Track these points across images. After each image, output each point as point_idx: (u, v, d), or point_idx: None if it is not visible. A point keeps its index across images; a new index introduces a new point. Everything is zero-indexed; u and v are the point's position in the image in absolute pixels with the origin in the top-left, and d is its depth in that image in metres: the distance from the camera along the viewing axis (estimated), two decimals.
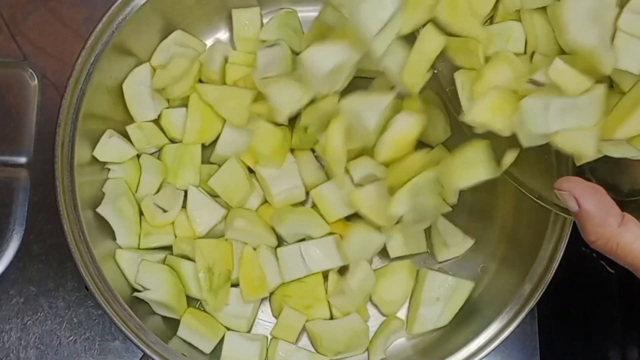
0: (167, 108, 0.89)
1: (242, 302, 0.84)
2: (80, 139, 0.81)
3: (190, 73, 0.86)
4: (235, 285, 0.85)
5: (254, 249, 0.84)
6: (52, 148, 0.80)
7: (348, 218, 0.85)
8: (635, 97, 0.59)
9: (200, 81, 0.89)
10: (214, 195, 0.87)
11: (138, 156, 0.88)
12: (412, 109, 0.75)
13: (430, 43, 0.67)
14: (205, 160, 0.89)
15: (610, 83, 0.62)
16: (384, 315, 0.86)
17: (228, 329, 0.84)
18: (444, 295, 0.84)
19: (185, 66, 0.87)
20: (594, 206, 0.58)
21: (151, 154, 0.89)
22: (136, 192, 0.87)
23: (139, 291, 0.82)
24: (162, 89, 0.87)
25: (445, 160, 0.73)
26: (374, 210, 0.80)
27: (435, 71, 0.70)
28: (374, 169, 0.81)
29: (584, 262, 0.97)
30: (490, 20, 0.71)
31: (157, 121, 0.90)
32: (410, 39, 0.68)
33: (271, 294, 0.87)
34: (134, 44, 0.87)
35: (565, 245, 0.78)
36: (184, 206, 0.86)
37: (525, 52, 0.70)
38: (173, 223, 0.86)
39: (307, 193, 0.87)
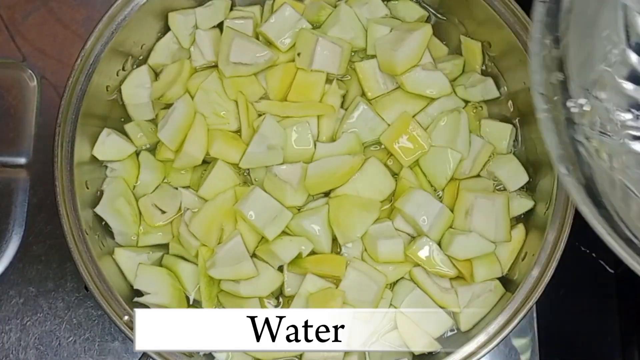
0: (164, 108, 0.89)
1: None
2: (79, 139, 0.81)
3: (182, 75, 0.87)
4: None
5: None
6: (51, 149, 0.80)
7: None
8: None
9: None
10: None
11: (137, 154, 0.88)
12: None
13: None
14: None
15: None
16: None
17: None
18: None
19: (176, 70, 0.87)
20: None
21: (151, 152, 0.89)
22: (134, 189, 0.87)
23: (139, 294, 0.82)
24: (160, 96, 0.87)
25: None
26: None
27: None
28: None
29: (583, 261, 0.97)
30: None
31: (154, 120, 0.90)
32: None
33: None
34: (133, 45, 0.87)
35: (564, 245, 0.78)
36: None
37: None
38: (171, 223, 0.86)
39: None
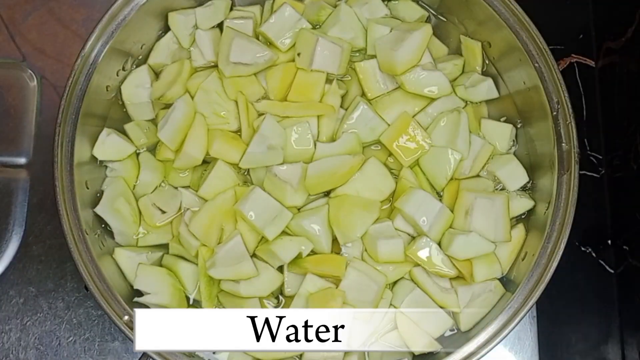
0: (164, 108, 0.89)
1: None
2: (79, 139, 0.81)
3: (182, 75, 0.87)
4: None
5: None
6: (51, 149, 0.80)
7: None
8: None
9: None
10: None
11: (137, 154, 0.88)
12: None
13: None
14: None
15: None
16: None
17: None
18: None
19: (176, 70, 0.88)
20: None
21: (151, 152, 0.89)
22: (134, 189, 0.87)
23: (139, 294, 0.82)
24: (160, 96, 0.87)
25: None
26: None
27: None
28: None
29: (583, 261, 0.97)
30: None
31: (154, 120, 0.90)
32: None
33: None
34: (133, 45, 0.87)
35: (564, 245, 0.78)
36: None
37: None
38: (171, 223, 0.86)
39: None
